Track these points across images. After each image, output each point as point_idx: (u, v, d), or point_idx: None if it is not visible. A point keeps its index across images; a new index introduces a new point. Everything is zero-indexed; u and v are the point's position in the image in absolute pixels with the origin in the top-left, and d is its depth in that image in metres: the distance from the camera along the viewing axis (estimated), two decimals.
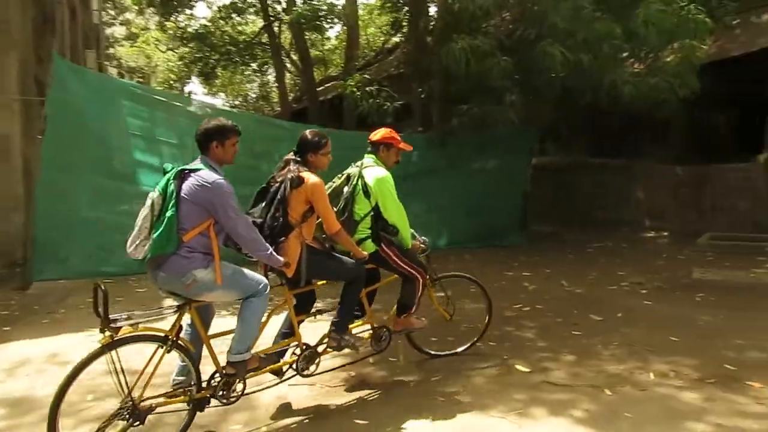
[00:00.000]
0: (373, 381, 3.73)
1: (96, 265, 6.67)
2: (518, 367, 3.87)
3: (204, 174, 2.77)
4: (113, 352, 2.58)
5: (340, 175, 3.64)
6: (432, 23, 9.19)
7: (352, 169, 3.61)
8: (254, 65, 19.33)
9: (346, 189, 3.53)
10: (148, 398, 2.72)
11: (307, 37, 16.03)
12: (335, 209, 3.36)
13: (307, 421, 3.20)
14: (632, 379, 3.63)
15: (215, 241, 2.79)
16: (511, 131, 8.66)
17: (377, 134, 3.74)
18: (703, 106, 8.78)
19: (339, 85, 12.17)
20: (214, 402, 2.95)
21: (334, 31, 19.35)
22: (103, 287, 2.53)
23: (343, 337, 3.40)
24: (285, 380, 3.33)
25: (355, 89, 8.90)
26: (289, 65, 18.40)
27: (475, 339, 4.21)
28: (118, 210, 7.01)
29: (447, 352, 4.13)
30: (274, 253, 2.96)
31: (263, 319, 3.10)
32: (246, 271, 2.95)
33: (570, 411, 3.19)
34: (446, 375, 3.77)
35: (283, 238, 3.07)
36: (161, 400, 2.78)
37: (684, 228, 9.34)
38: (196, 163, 2.85)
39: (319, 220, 3.27)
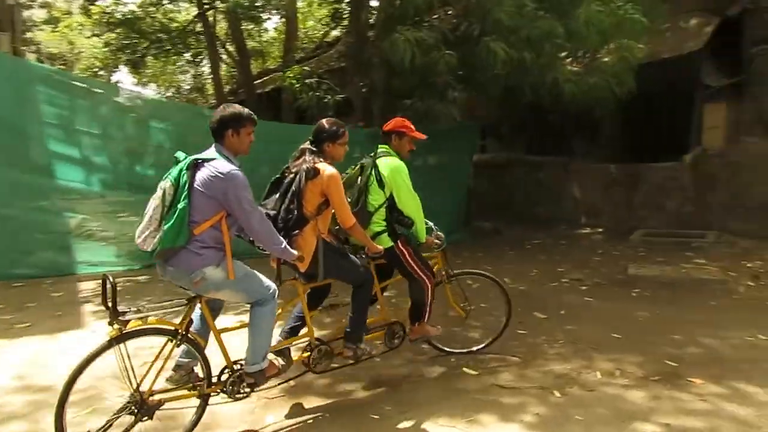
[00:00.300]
0: (318, 391, 3.49)
1: (8, 267, 6.08)
2: (466, 370, 3.75)
3: (218, 164, 2.65)
4: (121, 346, 2.52)
5: (353, 166, 3.58)
6: (374, 15, 8.98)
7: (366, 160, 3.55)
8: (188, 55, 18.42)
9: (359, 179, 3.47)
10: (156, 392, 2.66)
11: (243, 27, 15.41)
12: (349, 200, 3.28)
13: None
14: (580, 379, 3.58)
15: (227, 235, 2.70)
16: (454, 127, 8.61)
17: (389, 124, 3.71)
18: (636, 106, 9.08)
19: (277, 77, 11.76)
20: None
21: (273, 22, 18.81)
22: (111, 280, 2.46)
23: (359, 347, 3.33)
24: (296, 377, 3.28)
25: (294, 81, 8.58)
26: (224, 56, 17.67)
27: (493, 338, 4.11)
28: (34, 206, 6.43)
29: (463, 350, 4.06)
30: (288, 246, 2.86)
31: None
32: (257, 274, 2.86)
33: (521, 416, 3.08)
34: (394, 384, 3.58)
35: (297, 231, 2.98)
36: (170, 394, 2.73)
37: (617, 225, 9.63)
38: (210, 152, 2.73)
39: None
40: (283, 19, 15.19)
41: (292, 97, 8.90)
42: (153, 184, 2.75)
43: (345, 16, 11.68)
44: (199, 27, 15.60)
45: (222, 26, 17.59)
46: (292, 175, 3.08)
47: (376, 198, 3.45)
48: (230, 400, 2.89)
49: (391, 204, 3.50)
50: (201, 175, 2.63)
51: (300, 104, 8.61)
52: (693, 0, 9.16)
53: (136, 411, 2.58)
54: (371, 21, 9.09)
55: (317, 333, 3.44)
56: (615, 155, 10.34)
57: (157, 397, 2.66)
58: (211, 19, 15.54)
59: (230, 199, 2.62)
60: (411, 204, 3.52)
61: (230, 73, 20.32)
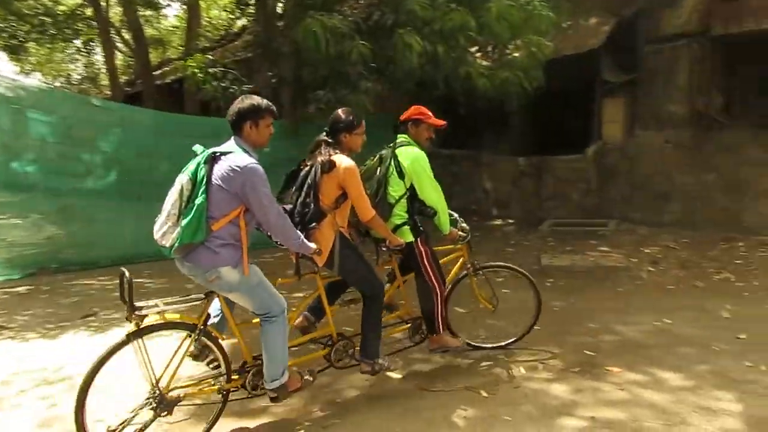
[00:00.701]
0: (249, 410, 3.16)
1: None
2: (389, 374, 3.57)
3: (236, 157, 2.58)
4: (139, 341, 2.49)
5: (372, 157, 3.49)
6: (281, 3, 8.57)
7: (385, 150, 3.47)
8: (78, 42, 16.86)
9: (379, 170, 3.39)
10: (176, 388, 2.64)
11: (141, 13, 14.30)
12: (368, 192, 3.19)
13: None
14: (504, 376, 3.52)
15: (245, 231, 2.63)
16: (368, 120, 8.42)
17: (405, 113, 3.62)
18: (543, 101, 9.37)
19: (179, 66, 10.98)
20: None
21: (173, 9, 17.66)
22: (127, 275, 2.42)
23: (377, 362, 3.20)
24: (320, 371, 3.18)
25: (196, 71, 7.98)
26: (120, 44, 16.33)
27: (523, 333, 4.05)
28: None
29: (493, 345, 4.01)
30: (305, 240, 2.81)
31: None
32: (272, 287, 2.81)
33: (450, 418, 2.94)
34: (313, 394, 3.32)
35: (314, 224, 2.91)
36: (190, 390, 2.70)
37: (527, 216, 9.92)
38: (229, 146, 2.66)
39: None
40: (185, 6, 14.28)
41: (195, 87, 8.30)
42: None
43: (251, 3, 11.12)
44: (89, 12, 14.28)
45: (116, 11, 16.26)
46: (307, 168, 3.01)
47: (396, 189, 3.39)
48: (249, 395, 2.88)
49: (411, 195, 3.43)
50: (219, 169, 2.56)
51: (204, 95, 8.04)
52: (592, 0, 9.59)
53: (155, 406, 2.56)
54: (279, 9, 8.68)
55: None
56: (524, 148, 10.65)
57: (176, 392, 2.64)
58: (103, 3, 14.28)
59: (248, 193, 2.56)
60: (433, 194, 3.44)
61: (127, 62, 18.88)
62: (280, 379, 2.80)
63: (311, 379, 3.00)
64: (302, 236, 2.81)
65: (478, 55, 8.30)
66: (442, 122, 3.66)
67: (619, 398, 3.17)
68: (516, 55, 7.66)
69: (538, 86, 7.60)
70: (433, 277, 3.48)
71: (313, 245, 2.83)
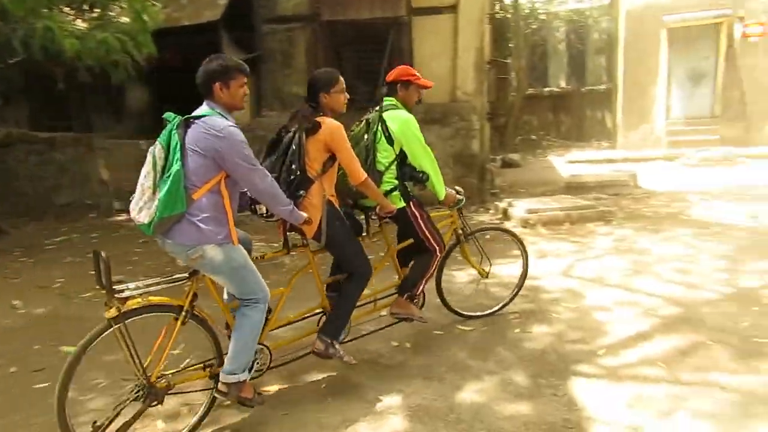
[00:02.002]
0: None
1: None
2: None
3: (212, 120, 2.41)
4: (121, 326, 2.32)
5: (357, 122, 3.34)
6: None
7: (372, 115, 3.31)
8: None
9: (366, 137, 3.24)
10: (165, 375, 2.51)
11: None
12: None
13: None
14: None
15: (227, 199, 2.46)
16: None
17: (391, 74, 3.42)
18: (166, 77, 8.26)
19: None
20: None
21: None
22: (104, 255, 2.25)
23: (334, 345, 2.96)
24: (305, 355, 3.04)
25: None
26: None
27: (509, 298, 4.03)
28: None
29: (481, 313, 3.93)
30: (296, 208, 2.65)
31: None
32: (257, 272, 2.61)
33: None
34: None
35: (302, 191, 2.76)
36: (180, 376, 2.60)
37: None
38: (202, 109, 2.50)
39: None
40: None
41: None
42: None
43: None
44: None
45: None
46: (290, 134, 2.81)
47: (385, 155, 3.25)
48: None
49: (401, 160, 3.29)
50: (193, 133, 2.39)
51: None
52: None
53: (144, 396, 2.42)
54: None
55: None
56: (147, 130, 9.33)
57: (165, 380, 2.50)
58: None
59: (227, 158, 2.39)
60: (426, 159, 3.29)
61: None
62: (239, 375, 2.58)
63: (261, 400, 2.73)
64: (292, 203, 2.65)
65: (71, 13, 6.63)
66: (430, 83, 3.47)
67: None
68: (124, 20, 6.37)
69: (151, 57, 6.51)
70: (431, 239, 3.36)
71: (303, 214, 2.71)
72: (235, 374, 2.55)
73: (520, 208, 7.10)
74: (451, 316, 3.88)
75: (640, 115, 14.39)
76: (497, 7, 15.93)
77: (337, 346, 2.98)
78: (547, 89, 20.98)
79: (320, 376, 3.15)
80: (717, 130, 13.61)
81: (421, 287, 3.43)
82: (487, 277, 3.96)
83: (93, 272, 2.32)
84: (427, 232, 3.36)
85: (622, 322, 3.72)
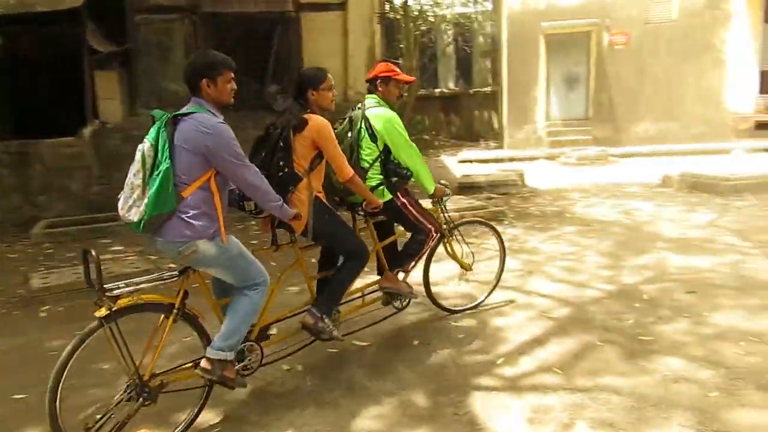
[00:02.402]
0: None
1: None
2: None
3: (201, 117, 2.42)
4: (113, 326, 2.31)
5: (341, 120, 3.37)
6: None
7: (354, 113, 3.35)
8: None
9: (350, 134, 3.27)
10: (158, 374, 2.48)
11: None
12: None
13: None
14: None
15: (218, 196, 2.47)
16: None
17: (372, 71, 3.48)
18: (19, 71, 7.21)
19: None
20: None
21: None
22: (93, 253, 2.25)
23: (324, 320, 2.99)
24: (305, 347, 3.15)
25: None
26: None
27: (490, 291, 4.11)
28: None
29: (464, 307, 4.00)
30: (285, 204, 2.68)
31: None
32: (253, 257, 2.65)
33: None
34: None
35: (291, 188, 2.81)
36: (173, 375, 2.57)
37: (11, 218, 7.67)
38: (190, 106, 2.48)
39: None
40: None
41: None
42: None
43: None
44: None
45: None
46: (278, 131, 2.84)
47: (369, 152, 3.28)
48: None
49: (385, 157, 3.31)
50: (182, 130, 2.39)
51: None
52: None
53: (136, 396, 2.40)
54: None
55: None
56: None
57: (158, 379, 2.48)
58: None
59: (218, 155, 2.41)
60: (411, 156, 3.31)
61: None
62: (227, 353, 2.56)
63: (243, 383, 2.72)
64: (281, 199, 2.66)
65: None
66: (411, 78, 3.57)
67: None
68: None
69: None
70: (425, 221, 3.44)
71: (293, 210, 2.72)
72: (222, 351, 2.54)
73: None
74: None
75: (524, 116, 15.13)
76: (387, 8, 15.98)
77: (327, 320, 3.00)
78: (437, 90, 21.52)
79: (206, 417, 2.75)
80: (590, 130, 14.65)
81: (412, 264, 3.55)
82: (470, 270, 4.00)
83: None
84: (419, 216, 3.45)
85: (518, 327, 3.70)
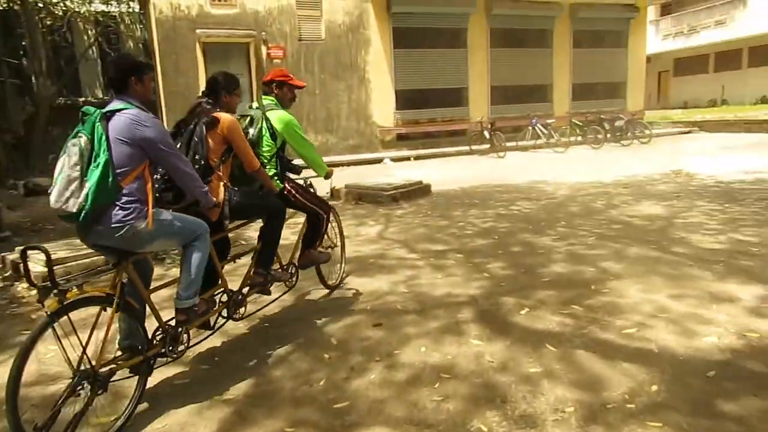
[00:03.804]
0: None
1: None
2: None
3: (134, 112, 2.64)
4: (63, 320, 2.40)
5: (239, 118, 3.58)
6: None
7: (254, 112, 3.74)
8: None
9: (251, 131, 3.65)
10: (104, 363, 2.57)
11: None
12: None
13: None
14: None
15: (150, 184, 2.69)
16: None
17: (268, 75, 3.89)
18: None
19: None
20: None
21: None
22: (46, 249, 2.32)
23: (270, 273, 3.63)
24: (217, 329, 3.41)
25: None
26: None
27: (342, 269, 4.69)
28: None
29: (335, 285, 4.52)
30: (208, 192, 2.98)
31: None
32: (185, 216, 2.91)
33: None
34: None
35: (207, 179, 3.06)
36: (119, 363, 2.67)
37: None
38: (118, 104, 2.66)
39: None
40: None
41: None
42: None
43: None
44: None
45: None
46: (191, 127, 3.13)
47: (268, 150, 3.71)
48: (170, 359, 2.94)
49: (280, 153, 3.78)
50: (116, 125, 2.57)
51: None
52: None
53: (89, 385, 2.46)
54: None
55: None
56: None
57: (107, 368, 2.58)
58: None
59: (154, 145, 2.64)
60: (309, 151, 3.87)
61: None
62: (193, 299, 2.94)
63: (212, 305, 3.28)
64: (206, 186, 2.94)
65: None
66: (302, 83, 4.03)
67: None
68: None
69: None
70: (315, 205, 3.94)
71: (213, 199, 2.99)
72: (189, 299, 2.92)
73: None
74: None
75: None
76: None
77: (272, 272, 3.66)
78: (82, 99, 18.27)
79: None
80: None
81: (319, 242, 4.08)
82: (336, 247, 4.58)
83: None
84: (308, 202, 3.88)
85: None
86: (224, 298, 3.44)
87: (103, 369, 2.54)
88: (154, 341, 2.88)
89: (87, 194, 2.43)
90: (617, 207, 7.27)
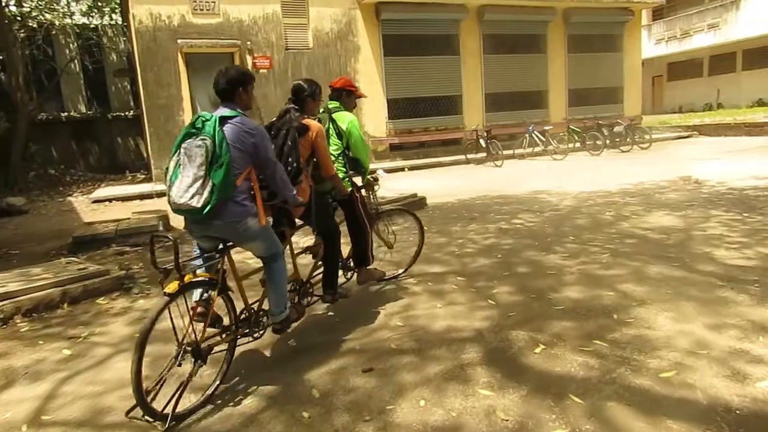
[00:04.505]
0: None
1: None
2: None
3: (243, 120, 2.92)
4: (181, 299, 2.75)
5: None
6: None
7: (322, 115, 4.00)
8: None
9: None
10: (207, 339, 2.92)
11: None
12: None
13: None
14: None
15: (257, 185, 3.01)
16: None
17: (337, 81, 4.19)
18: None
19: None
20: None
21: None
22: (171, 237, 2.70)
23: (338, 292, 3.93)
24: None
25: None
26: None
27: (408, 266, 5.00)
28: None
29: (388, 277, 4.72)
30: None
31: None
32: (273, 232, 3.20)
33: None
34: None
35: (299, 179, 3.34)
36: (214, 340, 2.99)
37: None
38: (227, 111, 2.95)
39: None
40: None
41: None
42: None
43: None
44: None
45: None
46: (283, 132, 3.37)
47: (335, 148, 3.98)
48: (252, 339, 3.28)
49: (345, 152, 4.00)
50: (229, 131, 2.85)
51: None
52: None
53: (194, 357, 2.82)
54: None
55: None
56: None
57: (207, 343, 2.92)
58: None
59: (260, 152, 2.95)
60: (363, 154, 4.07)
61: None
62: (286, 311, 3.25)
63: (303, 311, 3.67)
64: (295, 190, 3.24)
65: None
66: (366, 95, 4.60)
67: None
68: None
69: None
70: (366, 218, 4.12)
71: (300, 198, 3.29)
72: (282, 313, 3.24)
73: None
74: None
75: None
76: None
77: (339, 290, 3.91)
78: (65, 114, 17.69)
79: None
80: None
81: (371, 256, 4.24)
82: (391, 248, 4.77)
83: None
84: (363, 213, 4.13)
85: None
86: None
87: (205, 344, 2.89)
88: (242, 320, 3.22)
89: (212, 191, 2.72)
90: (628, 218, 6.73)
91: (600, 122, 16.08)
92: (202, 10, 13.16)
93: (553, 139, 15.35)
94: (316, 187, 3.79)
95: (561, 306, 3.98)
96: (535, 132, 15.41)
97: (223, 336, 3.07)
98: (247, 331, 3.23)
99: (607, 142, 15.62)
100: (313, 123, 3.60)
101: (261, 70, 13.79)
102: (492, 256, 5.49)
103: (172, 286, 2.70)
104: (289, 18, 14.12)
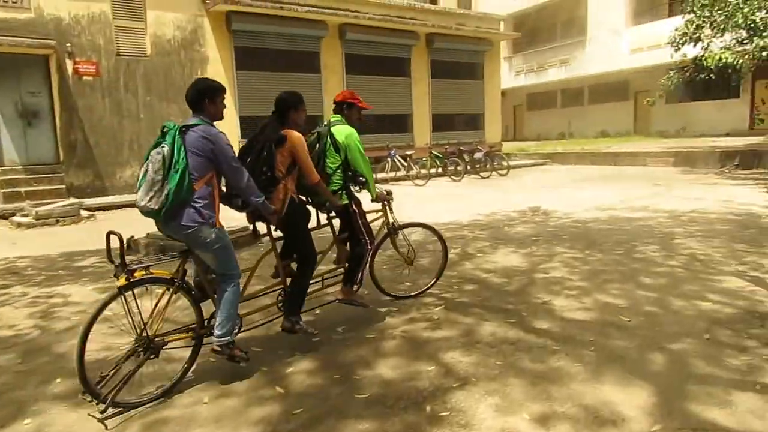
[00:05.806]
0: None
1: None
2: None
3: (206, 128, 3.07)
4: (129, 293, 2.87)
5: (308, 135, 3.93)
6: None
7: (322, 128, 4.04)
8: None
9: (317, 145, 3.94)
10: (160, 335, 3.06)
11: None
12: None
13: None
14: None
15: (217, 189, 3.14)
16: None
17: (339, 95, 4.23)
18: None
19: None
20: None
21: None
22: (119, 234, 2.79)
23: (299, 322, 3.71)
24: (270, 320, 3.79)
25: None
26: None
27: (431, 282, 4.86)
28: None
29: (410, 294, 4.69)
30: (266, 201, 3.33)
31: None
32: (233, 252, 3.25)
33: None
34: None
35: (271, 189, 3.44)
36: (172, 336, 3.14)
37: None
38: (192, 120, 3.11)
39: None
40: None
41: None
42: None
43: None
44: None
45: None
46: (260, 144, 3.48)
47: (332, 161, 3.98)
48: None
49: (345, 166, 4.00)
50: (190, 139, 3.00)
51: None
52: None
53: (143, 351, 2.97)
54: None
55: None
56: None
57: (160, 338, 3.06)
58: None
59: (219, 157, 3.06)
60: (364, 165, 4.02)
61: None
62: (229, 337, 3.20)
63: (246, 357, 3.28)
64: (263, 196, 3.30)
65: None
66: (371, 106, 4.36)
67: None
68: None
69: None
70: (365, 232, 4.07)
71: (271, 206, 3.39)
72: (225, 337, 3.18)
73: None
74: None
75: None
76: None
77: (301, 323, 3.72)
78: None
79: None
80: (63, 178, 11.73)
81: (360, 275, 4.15)
82: (412, 264, 4.71)
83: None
84: (362, 227, 4.07)
85: None
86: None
87: (157, 339, 3.04)
88: (209, 323, 3.25)
89: (167, 194, 2.88)
90: (473, 258, 6.16)
91: (462, 148, 16.13)
92: (6, 1, 11.01)
93: (415, 164, 15.02)
94: (315, 199, 3.94)
95: (366, 393, 3.07)
96: (398, 156, 14.99)
97: (186, 334, 3.21)
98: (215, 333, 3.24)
99: (468, 168, 15.65)
100: (292, 133, 3.62)
101: (85, 77, 11.86)
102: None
103: (121, 281, 2.85)
104: (121, 20, 12.39)
